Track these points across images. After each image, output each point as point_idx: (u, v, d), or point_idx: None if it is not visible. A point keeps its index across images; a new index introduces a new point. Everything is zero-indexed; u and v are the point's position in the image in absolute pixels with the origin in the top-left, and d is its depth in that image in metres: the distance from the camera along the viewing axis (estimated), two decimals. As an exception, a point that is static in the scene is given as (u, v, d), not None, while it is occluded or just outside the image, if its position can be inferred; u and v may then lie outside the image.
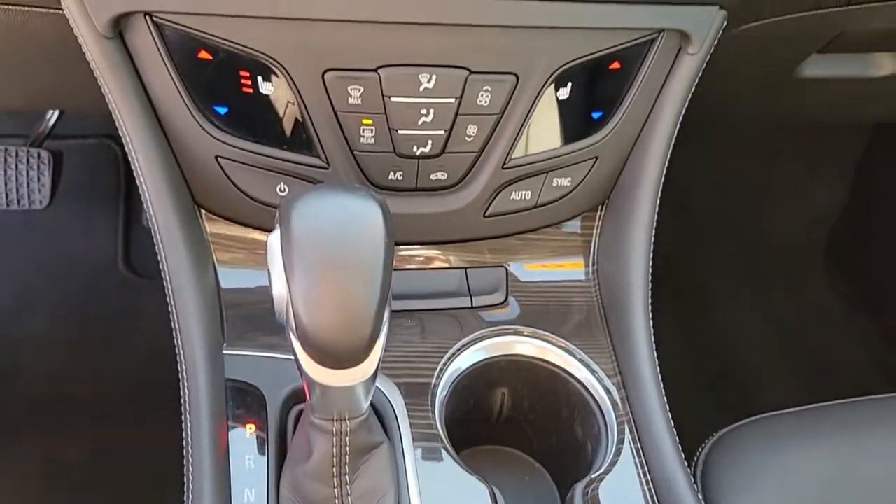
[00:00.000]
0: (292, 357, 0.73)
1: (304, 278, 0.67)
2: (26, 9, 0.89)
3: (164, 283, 0.91)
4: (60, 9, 0.85)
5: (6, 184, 1.80)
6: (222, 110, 0.90)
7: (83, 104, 1.13)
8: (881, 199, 2.25)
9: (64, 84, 1.08)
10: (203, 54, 0.86)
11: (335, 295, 0.67)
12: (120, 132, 0.90)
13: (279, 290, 0.70)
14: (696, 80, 0.99)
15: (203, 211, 1.00)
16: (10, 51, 1.01)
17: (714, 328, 2.15)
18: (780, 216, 2.32)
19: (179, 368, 0.89)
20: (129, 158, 0.90)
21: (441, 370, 1.00)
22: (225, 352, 0.94)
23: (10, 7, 0.91)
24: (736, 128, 2.10)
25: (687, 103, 1.01)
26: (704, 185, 2.21)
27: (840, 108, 1.58)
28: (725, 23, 0.95)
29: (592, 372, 1.03)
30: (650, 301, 1.00)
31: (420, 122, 0.91)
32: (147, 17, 0.83)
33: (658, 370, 0.98)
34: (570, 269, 1.08)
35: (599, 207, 1.11)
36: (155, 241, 0.91)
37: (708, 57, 0.97)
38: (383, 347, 0.72)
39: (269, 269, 0.72)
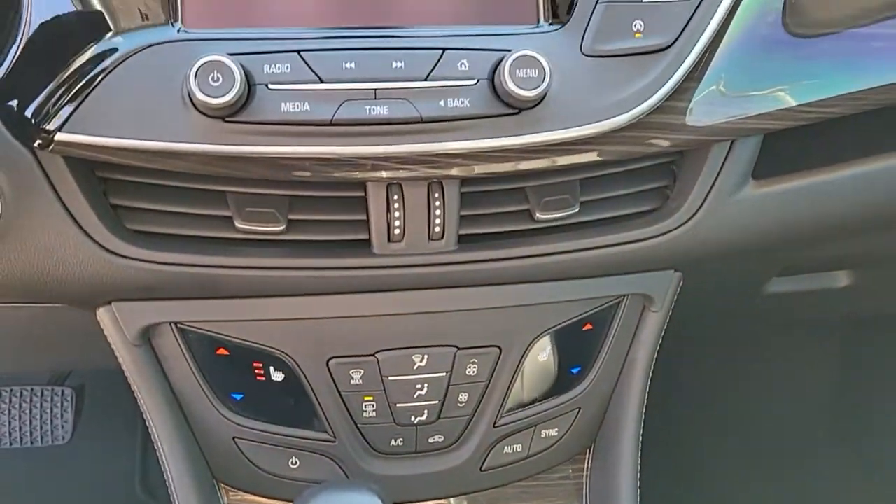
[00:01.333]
0: None
1: None
2: (63, 307, 1.02)
3: None
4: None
5: (31, 422, 1.89)
6: (238, 397, 1.00)
7: (108, 366, 1.24)
8: (877, 365, 2.30)
9: (91, 357, 1.20)
10: (221, 351, 0.97)
11: None
12: (146, 421, 1.00)
13: None
14: (663, 331, 1.10)
15: (222, 484, 1.08)
16: (43, 335, 1.12)
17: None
18: (780, 389, 2.37)
19: None
20: (153, 443, 1.00)
21: None
22: None
23: (50, 305, 1.03)
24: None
25: (658, 348, 1.12)
26: (696, 364, 2.27)
27: (813, 311, 1.69)
28: (682, 282, 1.07)
29: None
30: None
31: (416, 395, 1.01)
32: (172, 325, 0.95)
33: None
34: None
35: (587, 450, 1.19)
36: None
37: (671, 311, 1.09)
38: None
39: None
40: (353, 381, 0.99)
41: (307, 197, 0.90)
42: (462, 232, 0.92)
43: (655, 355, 1.11)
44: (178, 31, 0.81)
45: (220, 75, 0.76)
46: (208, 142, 0.79)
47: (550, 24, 0.86)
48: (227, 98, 0.76)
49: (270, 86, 0.79)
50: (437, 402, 1.02)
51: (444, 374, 1.00)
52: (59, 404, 1.91)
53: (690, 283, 1.09)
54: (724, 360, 2.26)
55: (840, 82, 0.95)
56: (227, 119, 0.79)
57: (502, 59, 0.80)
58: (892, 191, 1.09)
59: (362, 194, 0.89)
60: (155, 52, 0.79)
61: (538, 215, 0.93)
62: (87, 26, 0.80)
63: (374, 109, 0.80)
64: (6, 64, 0.79)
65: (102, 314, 0.95)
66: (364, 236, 0.91)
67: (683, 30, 0.86)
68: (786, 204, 1.02)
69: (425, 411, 1.03)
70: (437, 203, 0.89)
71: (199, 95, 0.76)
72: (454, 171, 0.86)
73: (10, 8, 0.80)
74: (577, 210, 0.94)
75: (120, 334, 0.95)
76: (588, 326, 1.05)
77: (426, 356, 0.99)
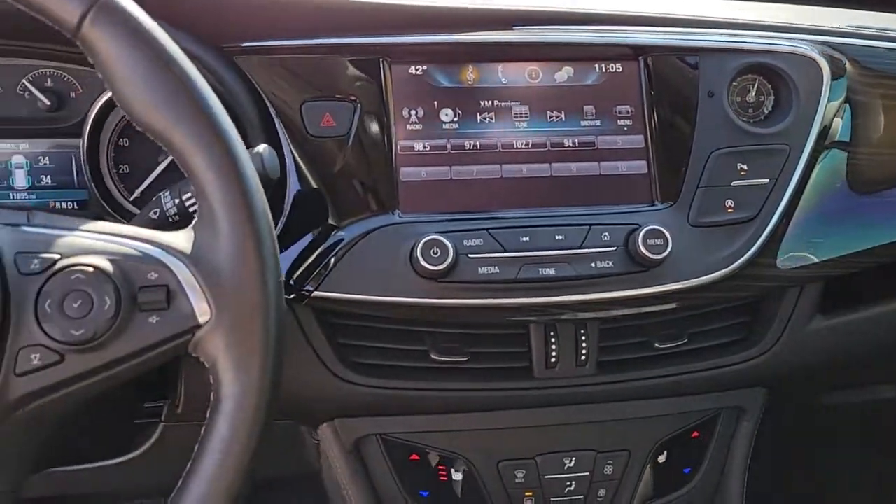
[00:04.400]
0: None
1: None
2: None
3: None
4: None
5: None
6: (425, 494, 1.26)
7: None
8: None
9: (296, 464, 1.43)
10: (414, 456, 1.24)
11: None
12: None
13: None
14: (755, 436, 1.36)
15: None
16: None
17: None
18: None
19: None
20: None
21: None
22: None
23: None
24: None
25: (751, 453, 1.37)
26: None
27: None
28: (769, 396, 1.34)
29: None
30: None
31: (566, 491, 1.26)
32: (378, 437, 1.23)
33: None
34: None
35: None
36: None
37: (760, 419, 1.35)
38: None
39: None
40: (517, 480, 1.25)
41: (484, 335, 1.19)
42: (600, 359, 1.20)
43: (749, 458, 1.36)
44: (398, 216, 1.11)
45: (438, 249, 1.06)
46: (428, 297, 1.09)
47: (664, 204, 1.15)
48: (443, 266, 1.05)
49: (470, 255, 1.09)
50: (581, 496, 1.27)
51: (587, 473, 1.26)
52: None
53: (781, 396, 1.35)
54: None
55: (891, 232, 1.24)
56: (440, 280, 1.08)
57: (635, 230, 1.10)
58: None
59: (524, 332, 1.18)
60: (384, 232, 1.10)
61: (657, 345, 1.22)
62: (334, 216, 1.11)
63: (545, 270, 1.10)
64: None
65: (325, 428, 1.22)
66: (526, 364, 1.19)
67: (764, 204, 1.16)
68: (851, 333, 1.29)
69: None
70: (584, 338, 1.17)
71: (423, 263, 1.05)
72: (599, 314, 1.15)
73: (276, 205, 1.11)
74: (686, 341, 1.22)
75: (339, 444, 1.22)
76: (695, 434, 1.32)
77: (574, 458, 1.25)
